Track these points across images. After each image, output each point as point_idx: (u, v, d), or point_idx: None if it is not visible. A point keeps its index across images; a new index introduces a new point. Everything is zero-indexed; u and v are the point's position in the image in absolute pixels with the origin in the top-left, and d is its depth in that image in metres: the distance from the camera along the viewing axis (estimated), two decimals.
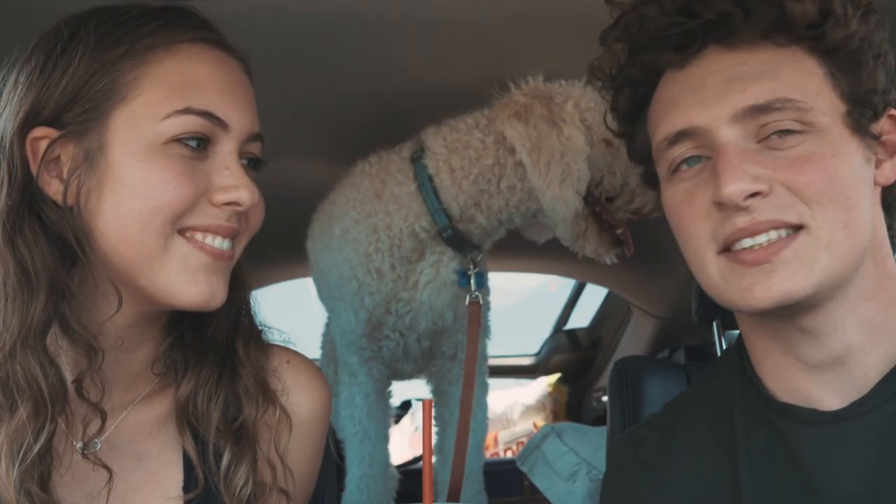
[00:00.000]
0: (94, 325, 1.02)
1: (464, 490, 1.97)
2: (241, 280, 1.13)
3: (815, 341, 1.01)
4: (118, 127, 0.99)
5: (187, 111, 1.00)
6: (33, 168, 1.00)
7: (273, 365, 1.16)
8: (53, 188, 1.00)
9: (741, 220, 0.97)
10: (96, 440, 1.05)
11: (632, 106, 1.13)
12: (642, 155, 1.15)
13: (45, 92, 1.00)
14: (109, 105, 0.99)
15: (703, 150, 1.02)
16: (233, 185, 1.02)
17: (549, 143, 1.80)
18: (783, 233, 0.97)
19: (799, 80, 1.00)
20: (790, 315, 1.00)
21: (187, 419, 1.09)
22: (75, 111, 0.99)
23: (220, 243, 1.03)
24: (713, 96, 1.00)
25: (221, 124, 1.02)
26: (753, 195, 0.96)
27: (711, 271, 1.02)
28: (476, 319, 1.99)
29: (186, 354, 1.12)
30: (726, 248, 0.99)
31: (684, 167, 1.04)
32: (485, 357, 2.27)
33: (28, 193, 1.00)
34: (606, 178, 1.90)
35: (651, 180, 1.18)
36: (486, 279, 2.13)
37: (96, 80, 0.99)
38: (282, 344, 1.20)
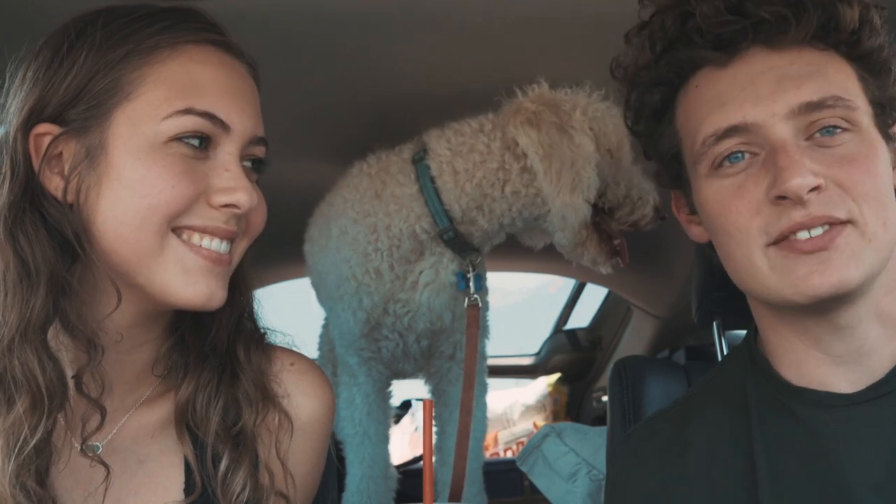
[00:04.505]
0: (95, 322, 1.02)
1: (464, 490, 1.97)
2: (244, 284, 1.13)
3: (843, 334, 1.04)
4: (120, 125, 0.99)
5: (189, 111, 1.00)
6: (35, 164, 1.00)
7: (275, 368, 1.16)
8: (54, 184, 1.01)
9: (798, 214, 0.99)
10: (98, 443, 1.05)
11: (660, 104, 1.15)
12: (667, 154, 1.16)
13: (49, 89, 1.00)
14: (112, 103, 1.00)
15: (752, 146, 1.04)
16: (231, 187, 1.02)
17: (560, 150, 1.81)
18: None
19: (842, 80, 1.04)
20: (827, 310, 1.02)
21: (186, 423, 1.09)
22: (78, 108, 1.00)
23: (217, 245, 1.03)
24: (767, 93, 1.02)
25: (223, 126, 1.02)
26: (812, 189, 0.99)
27: (759, 263, 1.03)
28: (475, 322, 2.00)
29: (187, 357, 1.12)
30: (778, 241, 1.01)
31: (727, 163, 1.05)
32: (484, 357, 2.27)
33: (30, 189, 1.00)
34: (610, 188, 1.92)
35: (670, 179, 1.19)
36: (485, 280, 2.13)
37: (100, 79, 1.00)
38: (285, 346, 1.20)
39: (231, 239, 1.05)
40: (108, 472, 1.00)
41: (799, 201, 0.98)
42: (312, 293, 2.32)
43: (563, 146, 1.82)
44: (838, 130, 1.02)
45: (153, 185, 0.98)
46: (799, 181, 0.97)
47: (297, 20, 1.62)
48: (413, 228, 1.94)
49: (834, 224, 0.99)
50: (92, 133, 1.00)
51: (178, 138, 1.00)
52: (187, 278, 1.01)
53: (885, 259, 1.02)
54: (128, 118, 0.99)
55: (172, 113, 0.99)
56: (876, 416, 1.03)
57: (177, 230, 1.01)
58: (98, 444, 1.05)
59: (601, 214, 1.96)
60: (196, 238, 1.01)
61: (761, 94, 1.03)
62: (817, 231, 0.99)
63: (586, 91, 1.88)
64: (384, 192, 1.98)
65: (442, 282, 2.02)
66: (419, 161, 1.94)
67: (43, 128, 1.00)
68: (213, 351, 1.12)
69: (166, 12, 1.05)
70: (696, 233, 1.19)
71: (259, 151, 1.09)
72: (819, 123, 1.01)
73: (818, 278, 0.99)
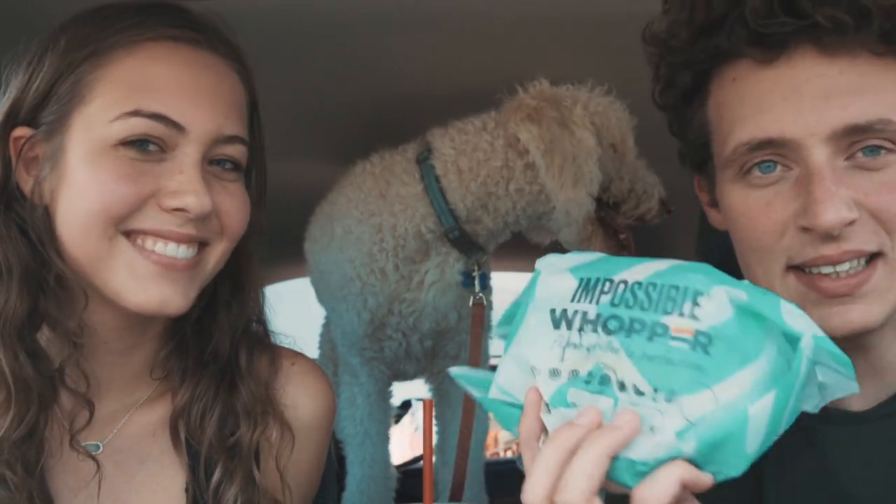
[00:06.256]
0: (74, 319, 1.01)
1: (465, 490, 1.97)
2: (250, 286, 1.11)
3: (858, 352, 0.99)
4: (76, 128, 0.99)
5: (136, 113, 0.97)
6: (14, 166, 1.01)
7: (276, 372, 1.15)
8: (29, 187, 1.01)
9: (828, 249, 0.92)
10: (99, 442, 1.05)
11: (691, 87, 1.05)
12: (695, 142, 1.08)
13: (24, 92, 1.01)
14: (72, 106, 0.99)
15: (786, 160, 0.95)
16: (181, 190, 0.98)
17: (561, 145, 1.81)
18: (863, 261, 0.93)
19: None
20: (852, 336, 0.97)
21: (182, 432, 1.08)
22: (47, 111, 1.00)
23: (172, 251, 1.00)
24: (810, 109, 0.92)
25: (177, 127, 0.98)
26: (846, 224, 0.91)
27: (778, 289, 0.96)
28: (480, 321, 1.99)
29: (186, 363, 1.10)
30: (799, 267, 0.95)
31: (757, 172, 0.97)
32: (487, 356, 2.27)
33: (7, 190, 1.01)
34: (615, 183, 1.92)
35: (695, 165, 1.12)
36: (490, 280, 2.13)
37: (62, 81, 0.99)
38: (286, 347, 1.19)
39: (194, 243, 1.01)
40: (99, 467, 1.00)
41: (828, 236, 0.91)
42: (312, 293, 2.32)
43: (564, 141, 1.81)
44: (883, 151, 0.92)
45: (97, 190, 0.97)
46: (833, 217, 0.89)
47: (297, 20, 1.62)
48: (418, 228, 1.94)
49: (862, 258, 0.92)
50: (56, 136, 0.99)
51: (128, 143, 0.97)
52: (137, 283, 0.99)
53: None
54: (83, 121, 0.98)
55: (120, 115, 0.97)
56: (888, 433, 0.99)
57: (128, 234, 0.99)
58: (99, 443, 1.05)
59: (606, 209, 1.96)
60: (150, 242, 0.99)
61: (804, 107, 0.92)
62: (843, 267, 0.92)
63: (588, 87, 1.88)
64: (389, 191, 1.97)
65: (447, 281, 2.02)
66: (423, 161, 1.94)
67: (19, 131, 1.01)
68: (214, 359, 1.10)
69: (133, 10, 1.02)
70: (717, 220, 1.12)
71: (233, 150, 1.04)
72: (862, 143, 0.92)
73: (838, 321, 0.93)
